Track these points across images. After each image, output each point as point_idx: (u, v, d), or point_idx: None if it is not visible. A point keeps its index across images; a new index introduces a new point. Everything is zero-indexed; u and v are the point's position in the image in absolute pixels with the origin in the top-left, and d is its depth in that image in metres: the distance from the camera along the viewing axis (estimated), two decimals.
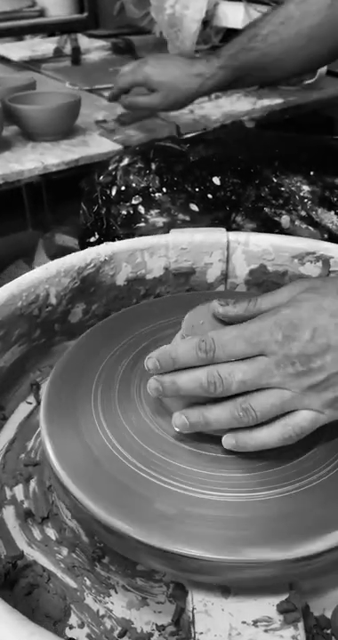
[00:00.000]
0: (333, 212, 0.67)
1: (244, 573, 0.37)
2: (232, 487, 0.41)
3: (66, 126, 1.03)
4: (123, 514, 0.39)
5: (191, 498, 0.40)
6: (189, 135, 0.74)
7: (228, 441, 0.42)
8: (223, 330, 0.42)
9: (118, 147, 1.02)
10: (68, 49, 1.87)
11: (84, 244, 0.78)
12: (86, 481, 0.42)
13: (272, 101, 1.36)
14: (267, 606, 0.37)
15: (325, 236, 0.69)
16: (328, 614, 0.40)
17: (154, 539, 0.38)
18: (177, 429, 0.43)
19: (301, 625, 0.36)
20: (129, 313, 0.64)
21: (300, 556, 0.36)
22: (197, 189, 0.70)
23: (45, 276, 0.63)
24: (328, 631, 0.39)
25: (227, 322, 0.46)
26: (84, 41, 1.99)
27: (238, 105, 1.33)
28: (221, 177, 0.70)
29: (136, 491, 0.41)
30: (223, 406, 0.41)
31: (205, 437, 0.44)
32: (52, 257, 1.32)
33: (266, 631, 0.36)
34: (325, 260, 0.66)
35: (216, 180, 0.70)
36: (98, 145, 1.02)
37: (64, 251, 1.33)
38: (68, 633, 0.40)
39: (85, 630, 0.41)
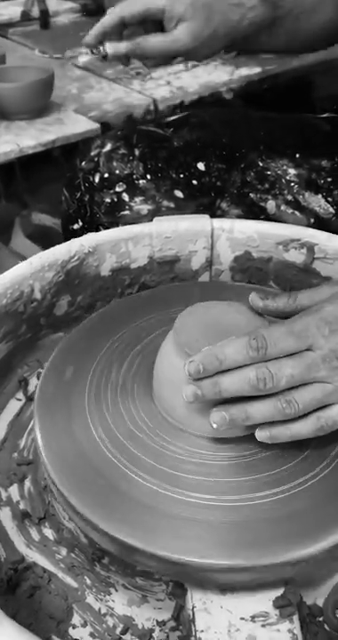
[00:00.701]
0: (320, 196, 0.67)
1: (230, 576, 0.39)
2: (221, 492, 0.42)
3: (40, 104, 1.00)
4: (109, 515, 0.41)
5: (181, 501, 0.42)
6: (172, 118, 0.73)
7: (262, 433, 0.43)
8: (272, 327, 0.43)
9: (95, 125, 0.99)
10: (35, 12, 1.79)
11: (67, 231, 0.76)
12: (79, 484, 0.43)
13: (251, 70, 1.33)
14: (264, 602, 0.39)
15: (312, 220, 0.69)
16: (320, 603, 0.42)
17: (138, 541, 0.39)
18: (214, 425, 0.43)
19: (296, 618, 0.38)
20: (122, 305, 0.64)
21: (286, 560, 0.38)
22: (181, 175, 0.69)
23: (29, 271, 0.62)
24: (321, 619, 0.41)
25: (212, 324, 0.47)
26: (52, 3, 1.91)
27: (215, 75, 1.30)
28: (205, 162, 0.69)
29: (130, 495, 0.42)
30: (265, 400, 0.42)
31: (197, 440, 0.46)
32: (30, 236, 1.29)
33: (263, 626, 0.37)
34: (310, 247, 0.66)
35: (201, 166, 0.69)
36: (74, 123, 0.99)
37: (42, 230, 1.31)
38: (72, 633, 0.42)
39: (88, 629, 0.42)
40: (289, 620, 0.38)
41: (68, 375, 0.53)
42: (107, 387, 0.52)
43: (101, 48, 0.78)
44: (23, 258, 1.29)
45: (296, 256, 0.68)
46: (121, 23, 0.72)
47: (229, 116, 0.75)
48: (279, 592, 0.39)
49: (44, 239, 1.26)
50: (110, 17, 0.72)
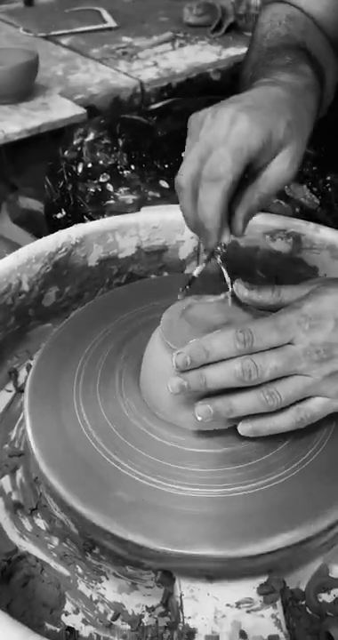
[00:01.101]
0: (305, 186, 0.67)
1: (213, 565, 0.40)
2: (205, 482, 0.44)
3: (25, 87, 0.98)
4: (98, 507, 0.42)
5: (168, 493, 0.43)
6: (155, 106, 0.72)
7: (244, 427, 0.45)
8: (257, 321, 0.44)
9: (81, 111, 0.98)
10: None
11: (50, 220, 0.76)
12: (68, 478, 0.45)
13: (238, 50, 1.32)
14: (248, 589, 0.40)
15: (297, 210, 0.70)
16: (303, 587, 0.44)
17: (113, 526, 0.41)
18: (199, 418, 0.44)
19: (279, 603, 0.40)
20: (110, 297, 0.65)
21: (268, 550, 0.39)
22: (166, 166, 0.69)
23: (16, 264, 0.63)
24: (303, 603, 0.43)
25: (199, 320, 0.48)
26: None
27: (203, 55, 1.29)
28: None
29: (118, 487, 0.44)
30: (248, 393, 0.43)
31: (183, 433, 0.47)
32: (17, 221, 1.28)
33: (248, 612, 0.39)
34: (297, 237, 0.67)
35: None
36: (59, 108, 0.98)
37: (29, 215, 1.29)
38: (65, 619, 0.43)
39: (80, 616, 0.44)
40: (272, 605, 0.39)
41: (56, 368, 0.54)
42: (95, 380, 0.53)
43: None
44: (10, 243, 1.28)
45: (283, 246, 0.68)
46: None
47: (212, 105, 0.74)
48: (263, 579, 0.41)
49: (32, 224, 1.25)
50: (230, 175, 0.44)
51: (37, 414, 0.50)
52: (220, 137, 0.44)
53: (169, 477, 0.44)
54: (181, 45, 1.35)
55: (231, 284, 0.49)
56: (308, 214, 0.66)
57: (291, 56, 0.55)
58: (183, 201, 0.46)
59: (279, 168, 0.46)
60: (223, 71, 1.26)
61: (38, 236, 1.22)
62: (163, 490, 0.43)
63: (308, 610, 0.42)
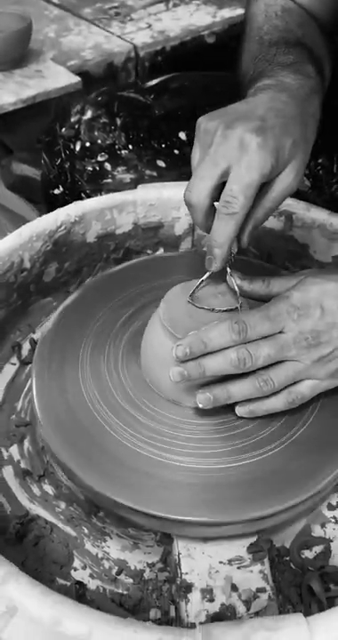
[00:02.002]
0: None
1: (206, 530, 0.45)
2: (202, 456, 0.48)
3: (18, 54, 0.97)
4: (101, 476, 0.47)
5: (167, 464, 0.47)
6: (152, 82, 0.72)
7: (241, 409, 0.49)
8: (250, 312, 0.48)
9: (76, 79, 0.97)
10: None
11: (47, 195, 0.78)
12: (72, 447, 0.49)
13: (233, 12, 1.30)
14: (239, 548, 0.45)
15: None
16: (287, 545, 0.49)
17: (116, 494, 0.45)
18: (200, 405, 0.48)
19: (266, 560, 0.45)
20: (118, 274, 0.67)
21: (257, 516, 0.44)
22: (163, 145, 0.71)
23: (18, 242, 0.65)
24: (287, 558, 0.48)
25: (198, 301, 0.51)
26: None
27: (197, 17, 1.27)
28: (187, 132, 0.70)
29: (120, 458, 0.48)
30: (244, 380, 0.47)
31: (180, 409, 0.51)
32: (11, 187, 1.28)
33: (239, 568, 0.44)
34: (288, 216, 0.69)
35: (182, 136, 0.70)
36: (53, 76, 0.97)
37: (23, 180, 1.29)
38: (74, 574, 0.48)
39: (88, 571, 0.48)
40: (260, 562, 0.44)
41: (62, 341, 0.58)
42: (99, 354, 0.56)
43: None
44: (5, 209, 1.28)
45: (275, 224, 0.71)
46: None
47: (209, 81, 0.75)
48: (253, 539, 0.45)
49: (26, 190, 1.26)
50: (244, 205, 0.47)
51: (43, 387, 0.54)
52: (230, 158, 0.46)
53: (169, 450, 0.48)
54: (175, 5, 1.32)
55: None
56: (299, 196, 0.68)
57: (293, 54, 0.56)
58: (194, 217, 0.49)
59: (284, 183, 0.48)
60: (218, 34, 1.24)
61: (33, 202, 1.23)
62: (163, 461, 0.47)
63: (292, 565, 0.47)
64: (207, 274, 0.51)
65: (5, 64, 0.98)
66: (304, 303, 0.47)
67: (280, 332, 0.47)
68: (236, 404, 0.49)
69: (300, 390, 0.48)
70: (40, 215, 0.80)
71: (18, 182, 1.28)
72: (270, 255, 0.73)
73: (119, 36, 1.17)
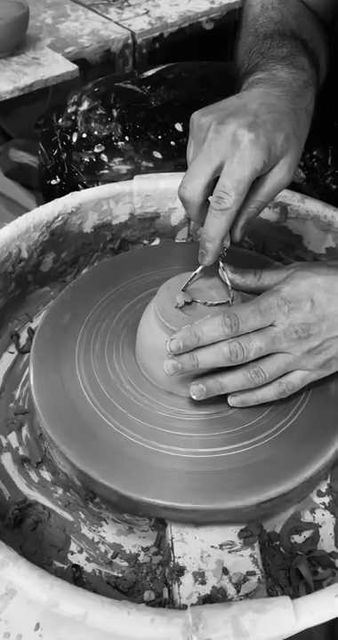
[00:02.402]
0: None
1: (197, 516, 0.46)
2: (195, 445, 0.49)
3: (15, 42, 0.97)
4: (95, 463, 0.48)
5: (160, 453, 0.49)
6: (149, 73, 0.72)
7: (233, 399, 0.50)
8: (241, 306, 0.49)
9: (73, 67, 0.97)
10: None
11: (44, 186, 0.78)
12: (69, 435, 0.50)
13: None
14: (230, 533, 0.47)
15: None
16: (278, 530, 0.50)
17: (111, 482, 0.47)
18: (194, 397, 0.49)
19: (256, 544, 0.46)
20: (113, 263, 0.68)
21: (250, 504, 0.46)
22: (159, 137, 0.71)
23: (16, 232, 0.66)
24: (277, 543, 0.49)
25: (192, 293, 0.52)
26: None
27: (195, 3, 1.26)
28: (183, 123, 0.71)
29: (114, 447, 0.49)
30: (236, 372, 0.49)
31: (174, 399, 0.52)
32: (8, 174, 1.28)
33: (230, 552, 0.46)
34: (283, 207, 0.70)
35: (179, 127, 0.70)
36: (51, 64, 0.97)
37: (20, 167, 1.29)
38: (71, 558, 0.50)
39: (84, 555, 0.50)
40: (251, 547, 0.46)
41: (59, 332, 0.59)
42: (95, 343, 0.57)
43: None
44: (2, 196, 1.28)
45: (270, 215, 0.72)
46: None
47: (206, 72, 0.75)
48: (244, 525, 0.47)
49: (24, 177, 1.26)
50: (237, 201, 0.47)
51: (41, 376, 0.55)
52: (223, 154, 0.47)
53: (163, 440, 0.49)
54: None
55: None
56: (294, 188, 0.69)
57: (288, 47, 0.56)
58: (189, 212, 0.50)
59: (277, 178, 0.49)
60: (216, 20, 1.23)
61: (30, 189, 1.23)
62: (156, 450, 0.49)
63: (281, 549, 0.49)
64: (200, 267, 0.52)
65: (3, 52, 0.98)
66: (295, 297, 0.48)
67: (271, 325, 0.48)
68: (228, 394, 0.50)
69: (290, 381, 0.49)
70: (37, 203, 0.81)
71: (15, 169, 1.28)
72: (265, 245, 0.74)
73: (117, 22, 1.17)
